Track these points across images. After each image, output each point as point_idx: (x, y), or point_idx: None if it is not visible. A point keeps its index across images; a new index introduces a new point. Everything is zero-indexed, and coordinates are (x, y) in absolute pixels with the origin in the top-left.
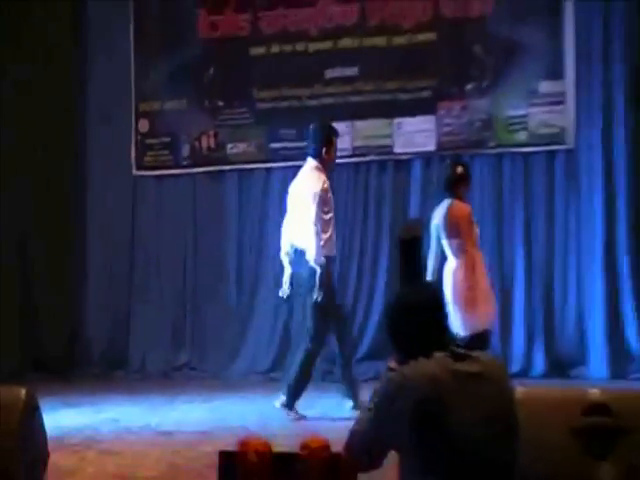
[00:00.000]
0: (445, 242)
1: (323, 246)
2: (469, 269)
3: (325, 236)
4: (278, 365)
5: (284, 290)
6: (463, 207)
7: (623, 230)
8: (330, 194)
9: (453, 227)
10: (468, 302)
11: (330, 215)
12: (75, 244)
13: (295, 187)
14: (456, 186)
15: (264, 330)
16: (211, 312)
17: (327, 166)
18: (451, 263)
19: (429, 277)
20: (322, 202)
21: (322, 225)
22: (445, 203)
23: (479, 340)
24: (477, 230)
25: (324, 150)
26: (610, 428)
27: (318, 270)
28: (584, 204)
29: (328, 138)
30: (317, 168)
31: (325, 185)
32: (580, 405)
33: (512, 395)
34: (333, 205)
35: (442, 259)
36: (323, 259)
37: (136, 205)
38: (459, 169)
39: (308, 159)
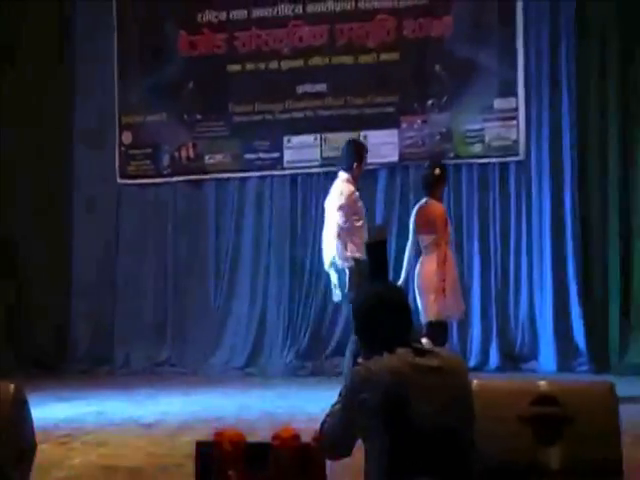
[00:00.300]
0: (419, 237)
1: (355, 249)
2: (441, 263)
3: (357, 240)
4: (253, 361)
5: (336, 294)
6: (439, 206)
7: (569, 235)
8: (360, 203)
9: (429, 224)
10: (437, 290)
11: (361, 222)
12: (63, 247)
13: (328, 201)
14: (434, 186)
15: (240, 328)
16: (190, 311)
17: (357, 178)
18: (424, 257)
19: (405, 267)
20: (351, 211)
21: (353, 230)
22: (422, 201)
23: (440, 328)
24: (450, 229)
25: (355, 165)
26: (557, 417)
27: (347, 272)
28: (534, 211)
29: (359, 154)
30: (347, 180)
31: (353, 196)
32: (529, 396)
33: (469, 388)
34: (364, 212)
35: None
36: (350, 261)
37: (120, 211)
38: (437, 171)
39: (340, 173)
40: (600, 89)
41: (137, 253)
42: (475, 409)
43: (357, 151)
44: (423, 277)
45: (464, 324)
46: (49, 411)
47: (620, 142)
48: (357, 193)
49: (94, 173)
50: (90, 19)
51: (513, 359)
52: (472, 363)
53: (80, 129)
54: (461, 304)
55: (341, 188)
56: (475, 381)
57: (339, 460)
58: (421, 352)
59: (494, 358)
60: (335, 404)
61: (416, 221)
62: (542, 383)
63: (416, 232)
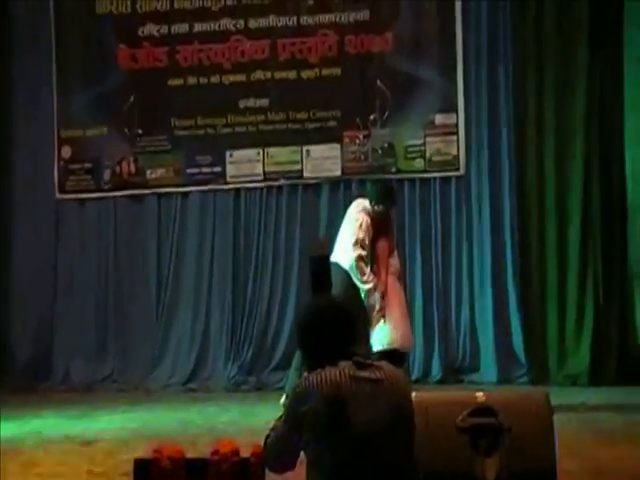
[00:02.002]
0: None
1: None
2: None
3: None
4: (196, 376)
5: None
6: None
7: (509, 250)
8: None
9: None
10: (376, 321)
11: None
12: (0, 263)
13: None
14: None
15: (183, 343)
16: (132, 327)
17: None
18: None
19: None
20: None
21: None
22: None
23: (389, 359)
24: (394, 260)
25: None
26: (493, 427)
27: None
28: (475, 225)
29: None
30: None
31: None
32: (467, 407)
33: (410, 400)
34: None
35: None
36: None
37: (59, 226)
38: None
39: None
40: (537, 105)
41: (77, 268)
42: (415, 421)
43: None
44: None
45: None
46: None
47: (557, 156)
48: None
49: (33, 188)
50: (28, 31)
51: (455, 371)
52: (415, 376)
53: (18, 143)
54: (407, 337)
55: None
56: (414, 393)
57: (282, 474)
58: (363, 365)
59: (436, 370)
60: (279, 418)
61: None
62: (479, 394)
63: None
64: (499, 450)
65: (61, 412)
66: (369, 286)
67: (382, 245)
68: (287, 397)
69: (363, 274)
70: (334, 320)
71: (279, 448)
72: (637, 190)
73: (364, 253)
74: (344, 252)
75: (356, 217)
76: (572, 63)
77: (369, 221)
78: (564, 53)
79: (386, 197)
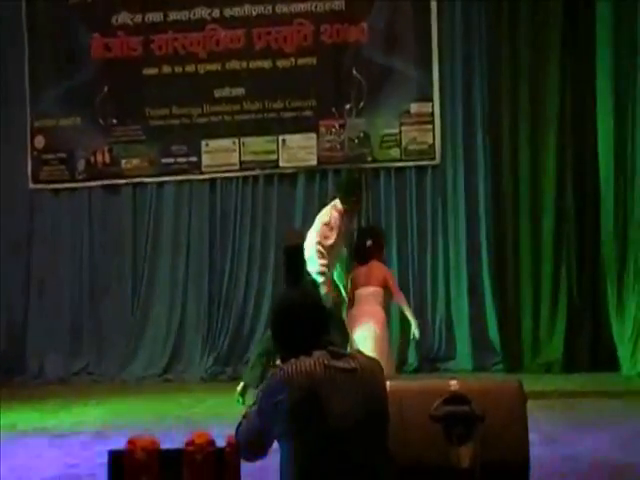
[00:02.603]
0: None
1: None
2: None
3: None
4: (172, 367)
5: None
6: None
7: (484, 239)
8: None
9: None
10: None
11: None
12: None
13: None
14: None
15: (158, 334)
16: (107, 318)
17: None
18: None
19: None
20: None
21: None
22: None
23: None
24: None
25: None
26: (467, 415)
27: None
28: (450, 213)
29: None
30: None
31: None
32: (441, 395)
33: (384, 391)
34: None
35: None
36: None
37: (33, 217)
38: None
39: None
40: (512, 94)
41: (51, 260)
42: (389, 411)
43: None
44: None
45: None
46: None
47: (531, 146)
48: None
49: (6, 178)
50: (0, 20)
51: (431, 360)
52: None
53: None
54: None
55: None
56: (389, 382)
57: (254, 462)
58: (337, 355)
59: (412, 359)
60: (251, 406)
61: None
62: (453, 382)
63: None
64: (473, 438)
65: (35, 405)
66: (323, 270)
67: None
68: (244, 386)
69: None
70: (307, 309)
71: (250, 438)
72: (609, 182)
73: (324, 245)
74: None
75: (324, 213)
76: (546, 51)
77: (337, 218)
78: (538, 40)
79: (354, 188)
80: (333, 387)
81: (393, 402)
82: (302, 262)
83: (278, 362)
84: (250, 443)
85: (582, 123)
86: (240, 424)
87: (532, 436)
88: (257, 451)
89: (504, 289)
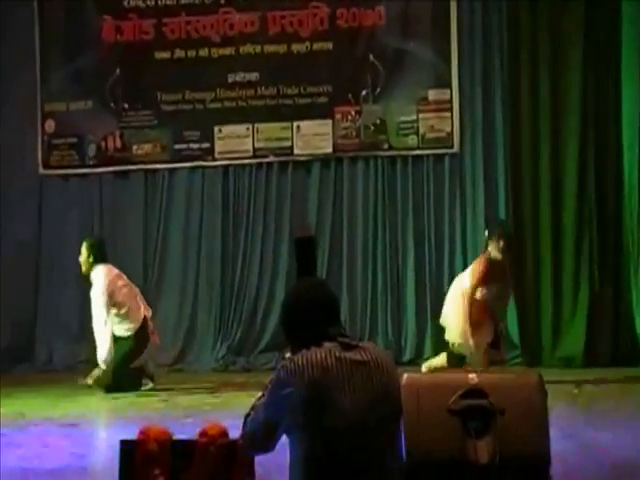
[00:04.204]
0: None
1: None
2: None
3: None
4: (183, 357)
5: None
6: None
7: None
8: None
9: None
10: None
11: None
12: None
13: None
14: None
15: (170, 323)
16: None
17: None
18: None
19: None
20: None
21: None
22: None
23: None
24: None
25: None
26: (486, 409)
27: None
28: (468, 203)
29: None
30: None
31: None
32: (459, 389)
33: (396, 382)
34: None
35: None
36: None
37: (42, 203)
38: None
39: None
40: (532, 82)
41: (60, 247)
42: (405, 403)
43: None
44: None
45: (399, 318)
46: None
47: (551, 131)
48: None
49: (15, 163)
50: (10, 3)
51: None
52: (407, 357)
53: (0, 117)
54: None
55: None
56: (405, 375)
57: (260, 455)
58: (348, 346)
59: (429, 351)
60: (260, 397)
61: None
62: (472, 376)
63: None
64: (491, 432)
65: (44, 394)
66: None
67: None
68: None
69: None
70: (317, 300)
71: (258, 431)
72: (633, 171)
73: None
74: None
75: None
76: (567, 38)
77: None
78: (558, 27)
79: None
80: (344, 379)
81: (410, 395)
82: (313, 253)
83: (288, 354)
84: (258, 436)
85: (604, 109)
86: (248, 416)
87: (552, 431)
88: (265, 444)
89: (523, 281)
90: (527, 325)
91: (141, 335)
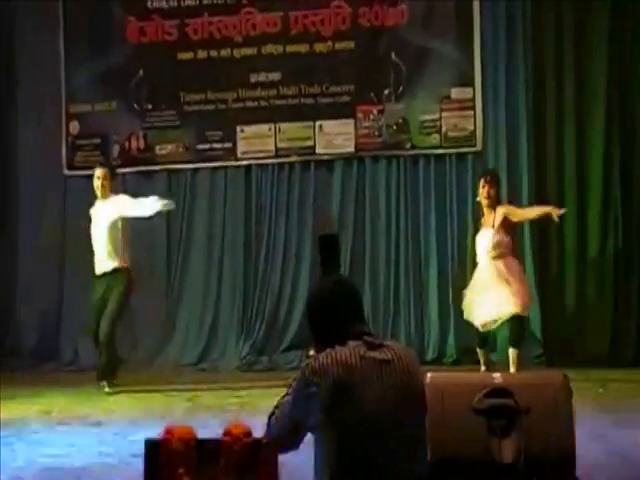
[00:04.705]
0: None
1: None
2: None
3: None
4: (206, 356)
5: None
6: None
7: (527, 228)
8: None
9: None
10: None
11: None
12: (6, 242)
13: None
14: None
15: (193, 323)
16: (141, 306)
17: None
18: None
19: None
20: None
21: None
22: None
23: None
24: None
25: None
26: (510, 409)
27: None
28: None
29: None
30: None
31: None
32: (484, 388)
33: (421, 381)
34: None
35: None
36: None
37: (67, 203)
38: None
39: None
40: (556, 79)
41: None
42: (429, 402)
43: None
44: None
45: (422, 317)
46: None
47: (576, 131)
48: None
49: (39, 165)
50: (35, 5)
51: (470, 352)
52: (429, 357)
53: (25, 119)
54: None
55: None
56: (429, 374)
57: (285, 453)
58: (373, 345)
59: (451, 351)
60: (284, 396)
61: None
62: (496, 375)
63: None
64: (516, 431)
65: (69, 393)
66: None
67: None
68: None
69: None
70: (342, 298)
71: (283, 429)
72: None
73: None
74: None
75: None
76: (591, 35)
77: None
78: (583, 25)
79: None
80: (369, 378)
81: (434, 394)
82: (337, 251)
83: (312, 352)
84: (283, 434)
85: (630, 107)
86: (272, 414)
87: (577, 431)
88: (290, 442)
89: (547, 280)
90: (550, 324)
91: (130, 277)
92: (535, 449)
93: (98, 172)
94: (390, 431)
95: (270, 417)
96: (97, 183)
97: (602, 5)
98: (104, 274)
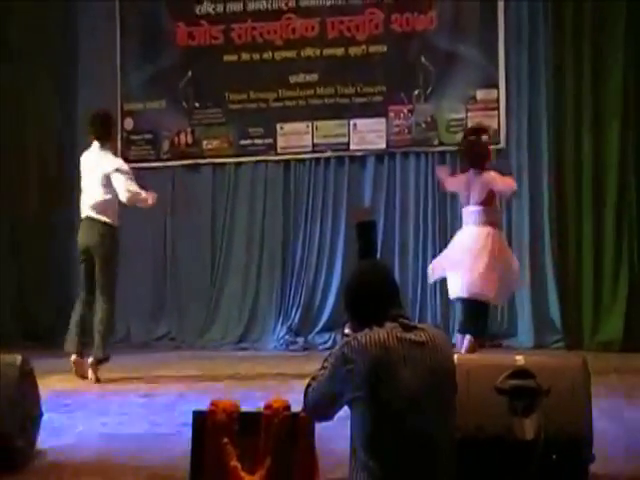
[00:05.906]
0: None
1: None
2: None
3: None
4: (247, 336)
5: None
6: None
7: (546, 219)
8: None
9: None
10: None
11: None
12: (62, 228)
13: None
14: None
15: (234, 305)
16: (188, 289)
17: None
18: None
19: None
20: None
21: None
22: None
23: None
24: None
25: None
26: (532, 389)
27: None
28: (514, 196)
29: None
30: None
31: None
32: (507, 369)
33: (452, 361)
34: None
35: None
36: None
37: None
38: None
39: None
40: (575, 82)
41: (136, 232)
42: (457, 382)
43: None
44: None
45: (447, 307)
46: (52, 382)
47: (593, 132)
48: None
49: None
50: (94, 13)
51: (492, 336)
52: (454, 340)
53: (83, 116)
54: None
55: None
56: (457, 356)
57: (322, 423)
58: (408, 327)
59: None
60: (321, 369)
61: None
62: (519, 357)
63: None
64: (537, 411)
65: (121, 367)
66: None
67: None
68: None
69: None
70: (378, 282)
71: (320, 401)
72: None
73: None
74: None
75: None
76: (610, 36)
77: None
78: (602, 27)
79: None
80: (404, 359)
81: (461, 374)
82: (374, 237)
83: (347, 330)
84: (320, 406)
85: None
86: (309, 386)
87: (594, 412)
88: (326, 414)
89: (566, 267)
90: (569, 309)
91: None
92: (554, 429)
93: None
94: (424, 408)
95: (307, 388)
96: None
97: (620, 9)
98: None
